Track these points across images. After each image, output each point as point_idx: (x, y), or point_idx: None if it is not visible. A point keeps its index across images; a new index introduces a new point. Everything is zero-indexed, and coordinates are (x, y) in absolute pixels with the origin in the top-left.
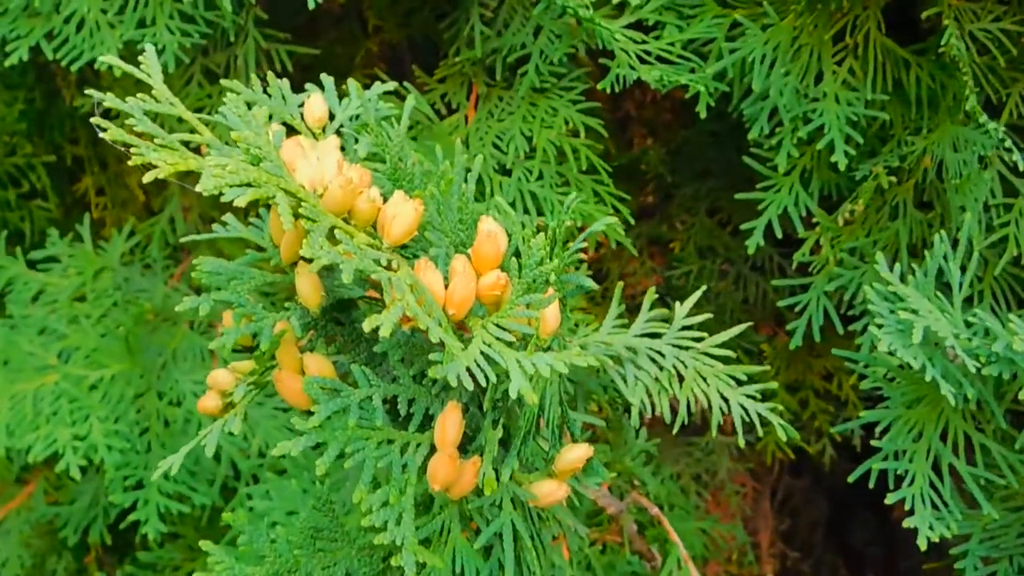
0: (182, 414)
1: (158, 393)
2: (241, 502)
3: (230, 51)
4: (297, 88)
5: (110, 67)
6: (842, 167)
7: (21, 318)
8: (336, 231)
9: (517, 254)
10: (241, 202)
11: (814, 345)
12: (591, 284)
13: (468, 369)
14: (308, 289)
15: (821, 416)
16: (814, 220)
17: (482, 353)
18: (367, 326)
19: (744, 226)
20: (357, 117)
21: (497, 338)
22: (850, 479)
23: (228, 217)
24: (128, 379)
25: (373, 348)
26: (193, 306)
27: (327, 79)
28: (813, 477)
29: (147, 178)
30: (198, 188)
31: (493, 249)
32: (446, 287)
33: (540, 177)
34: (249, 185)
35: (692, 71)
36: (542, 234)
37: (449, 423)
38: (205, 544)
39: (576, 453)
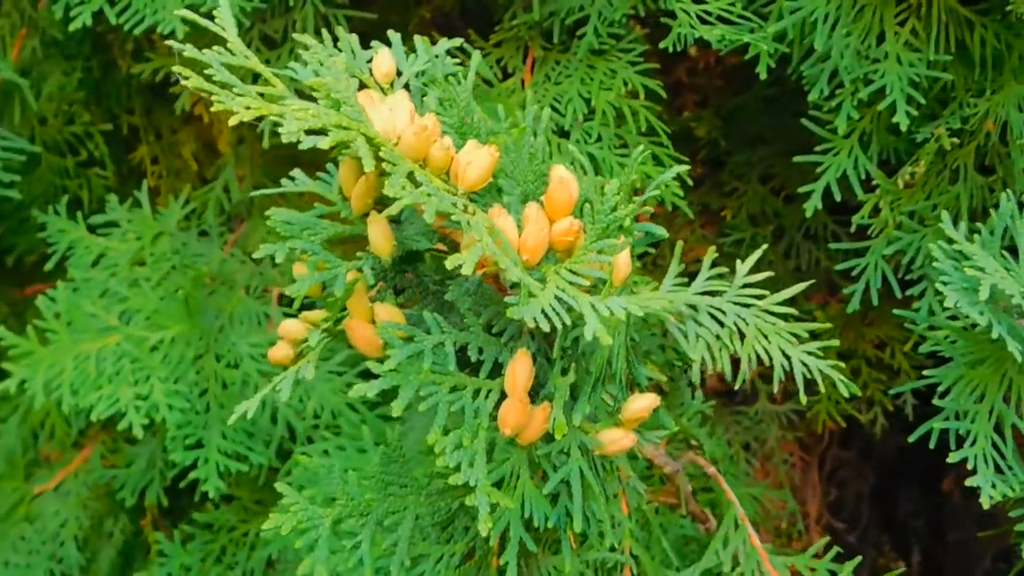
0: (240, 376)
1: (216, 355)
2: (296, 462)
3: (288, 16)
4: None
5: (165, 37)
6: (904, 128)
7: (83, 281)
8: (415, 175)
9: (587, 203)
10: (324, 145)
11: (867, 314)
12: (662, 232)
13: (544, 312)
14: (380, 238)
15: (873, 385)
16: (873, 183)
17: (556, 297)
18: (450, 264)
19: (802, 189)
20: (423, 73)
21: (570, 283)
22: (911, 439)
23: (296, 172)
24: (187, 341)
25: (442, 298)
26: (270, 253)
27: (394, 35)
28: (861, 448)
29: (232, 121)
30: (281, 132)
31: (566, 196)
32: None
33: (598, 139)
34: (323, 132)
35: (752, 31)
36: (616, 180)
37: (519, 369)
38: (280, 486)
39: (642, 402)
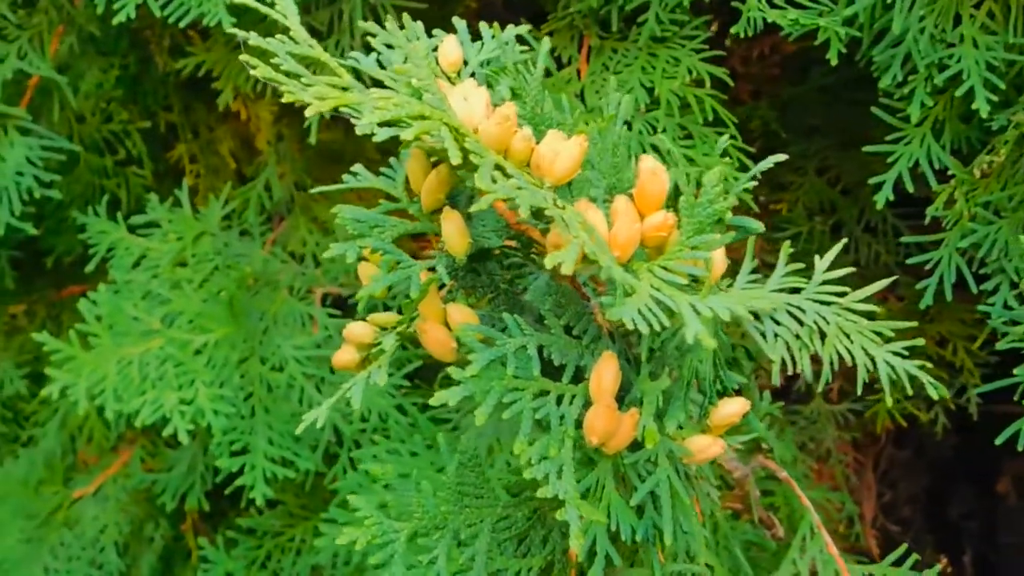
0: (285, 379)
1: (260, 358)
2: (344, 467)
3: (334, 8)
4: None
5: (204, 32)
6: (984, 115)
7: (124, 283)
8: (505, 167)
9: (680, 196)
10: (408, 135)
11: (927, 310)
12: (759, 226)
13: (640, 313)
14: (455, 235)
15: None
16: (949, 173)
17: (651, 297)
18: (549, 262)
19: (873, 180)
20: (489, 62)
21: (666, 281)
22: (998, 441)
23: (358, 167)
24: (232, 343)
25: (513, 298)
26: (340, 253)
27: (459, 22)
28: (915, 448)
29: (309, 112)
30: (358, 124)
31: (658, 187)
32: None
33: (663, 130)
34: (393, 124)
35: (821, 15)
36: (715, 171)
37: (606, 373)
38: (353, 499)
39: (733, 407)
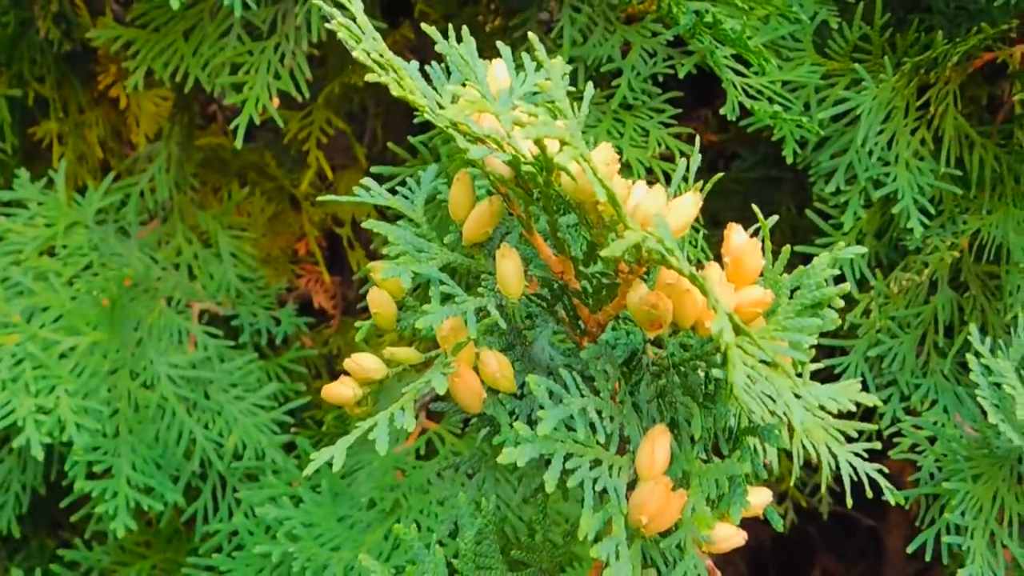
0: (155, 399)
1: (131, 372)
2: (206, 503)
3: (279, 7)
4: None
5: (93, 7)
6: (918, 235)
7: None
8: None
9: (781, 274)
10: (564, 160)
11: None
12: (836, 317)
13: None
14: (512, 275)
15: (788, 478)
16: (872, 284)
17: (748, 377)
18: (714, 329)
19: None
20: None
21: (761, 361)
22: (910, 549)
23: (369, 181)
24: (104, 352)
25: (527, 347)
26: (392, 275)
27: (504, 47)
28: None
29: (455, 115)
30: (475, 139)
31: (756, 262)
32: None
33: None
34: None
35: (787, 109)
36: (827, 254)
37: (659, 448)
38: (365, 559)
39: (759, 497)
